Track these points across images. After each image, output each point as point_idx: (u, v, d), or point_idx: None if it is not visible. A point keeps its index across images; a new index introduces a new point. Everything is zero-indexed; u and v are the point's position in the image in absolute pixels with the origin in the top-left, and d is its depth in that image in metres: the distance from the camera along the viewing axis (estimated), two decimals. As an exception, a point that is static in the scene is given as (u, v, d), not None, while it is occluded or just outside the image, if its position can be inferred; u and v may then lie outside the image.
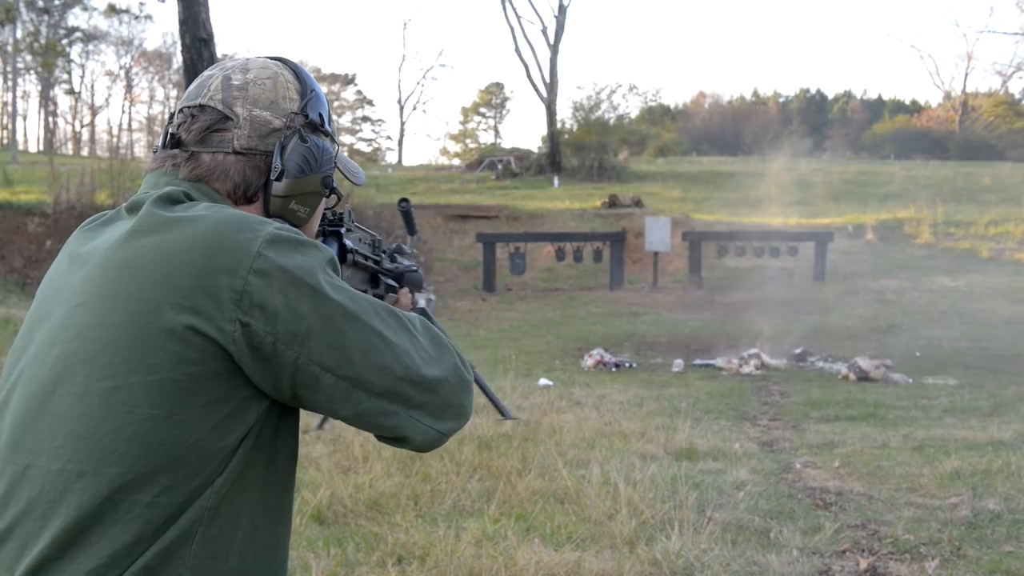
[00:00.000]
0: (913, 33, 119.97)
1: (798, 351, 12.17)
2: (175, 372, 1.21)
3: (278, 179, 1.42)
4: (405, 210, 1.98)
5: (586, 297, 19.67)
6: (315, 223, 1.55)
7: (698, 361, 11.59)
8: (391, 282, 1.87)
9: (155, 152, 1.44)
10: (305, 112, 1.46)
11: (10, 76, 56.69)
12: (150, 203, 1.32)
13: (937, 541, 4.71)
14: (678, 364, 11.23)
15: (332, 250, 1.50)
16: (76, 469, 1.21)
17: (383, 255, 1.83)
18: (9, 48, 53.15)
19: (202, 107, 1.41)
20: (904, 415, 8.20)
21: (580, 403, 8.42)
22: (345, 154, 1.64)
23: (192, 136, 1.40)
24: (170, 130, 1.43)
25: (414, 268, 1.93)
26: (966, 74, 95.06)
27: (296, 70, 1.49)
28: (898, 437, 7.20)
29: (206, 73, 1.47)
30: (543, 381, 9.67)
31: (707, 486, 5.62)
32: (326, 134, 1.50)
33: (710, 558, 4.37)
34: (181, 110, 1.43)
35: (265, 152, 1.41)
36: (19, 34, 52.35)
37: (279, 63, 1.49)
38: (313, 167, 1.44)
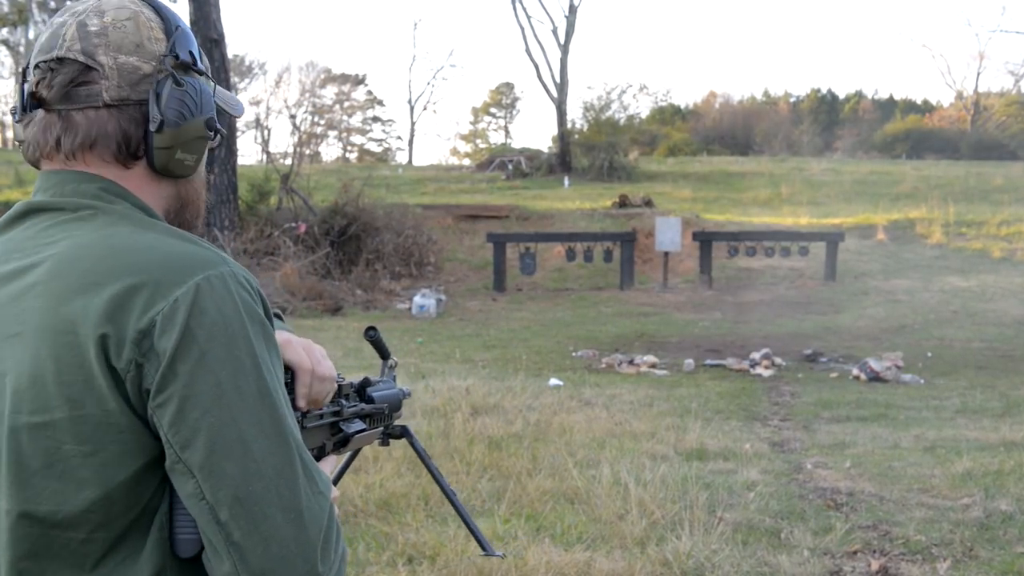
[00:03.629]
0: (925, 32, 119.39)
1: (809, 351, 12.14)
2: (97, 408, 1.15)
3: (158, 130, 1.28)
4: (373, 339, 1.81)
5: (596, 297, 19.66)
6: (203, 173, 1.42)
7: (708, 361, 11.57)
8: (358, 424, 1.68)
9: (14, 116, 1.32)
10: (175, 52, 1.32)
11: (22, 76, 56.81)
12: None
13: (949, 542, 4.70)
14: (688, 364, 11.22)
15: None
16: (6, 508, 1.18)
17: (345, 403, 1.63)
18: (22, 48, 53.39)
19: (60, 60, 1.26)
20: (915, 416, 8.18)
21: (590, 403, 8.42)
22: (216, 86, 1.45)
23: (54, 93, 1.27)
24: (27, 88, 1.29)
25: (382, 407, 1.74)
26: (978, 73, 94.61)
27: (155, 5, 1.36)
28: (909, 438, 7.18)
29: (57, 20, 1.32)
30: (553, 381, 9.67)
31: (718, 486, 5.61)
32: (200, 72, 1.36)
33: (721, 558, 4.37)
34: (37, 65, 1.28)
35: (139, 101, 1.28)
36: (31, 34, 52.58)
37: (144, 6, 1.35)
38: (194, 111, 1.31)
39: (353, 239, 20.94)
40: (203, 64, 1.39)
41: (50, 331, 1.16)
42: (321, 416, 1.54)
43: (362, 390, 1.72)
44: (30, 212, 1.29)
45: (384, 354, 1.86)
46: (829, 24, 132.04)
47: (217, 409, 1.13)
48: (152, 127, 1.28)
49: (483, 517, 4.93)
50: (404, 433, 1.94)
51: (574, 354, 12.37)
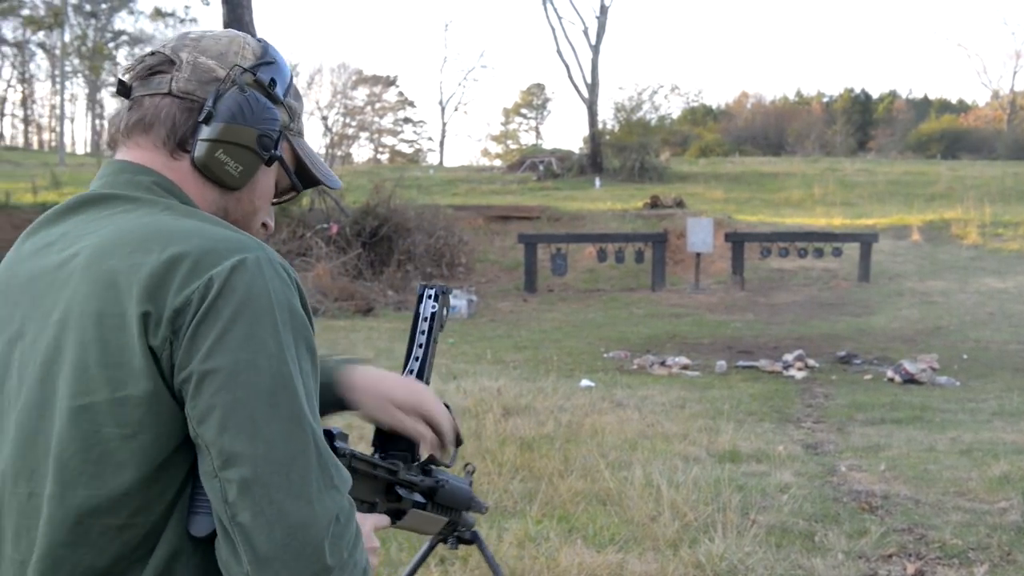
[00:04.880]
0: (960, 31, 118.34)
1: (842, 353, 12.05)
2: (137, 388, 1.16)
3: (205, 120, 1.32)
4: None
5: (628, 298, 19.61)
6: (258, 195, 1.41)
7: (741, 363, 11.51)
8: (417, 497, 1.62)
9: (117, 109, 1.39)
10: (254, 70, 1.37)
11: (58, 79, 57.59)
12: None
13: (986, 546, 4.64)
14: (720, 366, 11.17)
15: None
16: (48, 492, 1.19)
17: (402, 466, 1.57)
18: (57, 51, 54.01)
19: (152, 52, 1.37)
20: (951, 418, 8.09)
21: (622, 404, 8.39)
22: (317, 153, 1.52)
23: (134, 75, 1.35)
24: (119, 77, 1.38)
25: (442, 483, 1.66)
26: (1014, 72, 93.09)
27: (265, 44, 1.43)
28: (945, 440, 7.11)
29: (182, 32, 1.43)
30: (585, 382, 9.65)
31: (751, 488, 5.58)
32: (276, 100, 1.39)
33: (754, 561, 4.34)
34: (134, 56, 1.39)
35: (202, 99, 1.33)
36: (67, 38, 53.23)
37: (250, 36, 1.43)
38: (248, 118, 1.33)
39: (384, 240, 21.01)
40: (289, 100, 1.42)
41: (94, 314, 1.18)
42: (373, 466, 1.50)
43: (426, 465, 1.66)
44: (84, 203, 1.32)
45: (456, 440, 1.73)
46: (862, 23, 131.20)
47: (232, 387, 1.13)
48: (201, 118, 1.32)
49: (515, 518, 4.92)
50: (474, 539, 1.92)
51: (605, 355, 12.35)
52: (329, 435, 1.38)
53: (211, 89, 1.33)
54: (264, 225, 1.47)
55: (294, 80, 1.47)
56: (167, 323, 1.14)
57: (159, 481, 1.17)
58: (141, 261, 1.17)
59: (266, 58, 1.39)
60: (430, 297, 1.68)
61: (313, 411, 1.19)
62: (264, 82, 1.37)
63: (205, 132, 1.32)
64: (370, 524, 1.45)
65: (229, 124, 1.32)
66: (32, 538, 1.21)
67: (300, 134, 1.47)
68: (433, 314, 1.69)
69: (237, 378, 1.13)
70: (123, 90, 1.36)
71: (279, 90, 1.39)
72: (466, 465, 1.89)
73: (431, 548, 2.05)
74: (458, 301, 17.48)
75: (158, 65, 1.34)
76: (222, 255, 1.17)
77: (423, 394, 1.61)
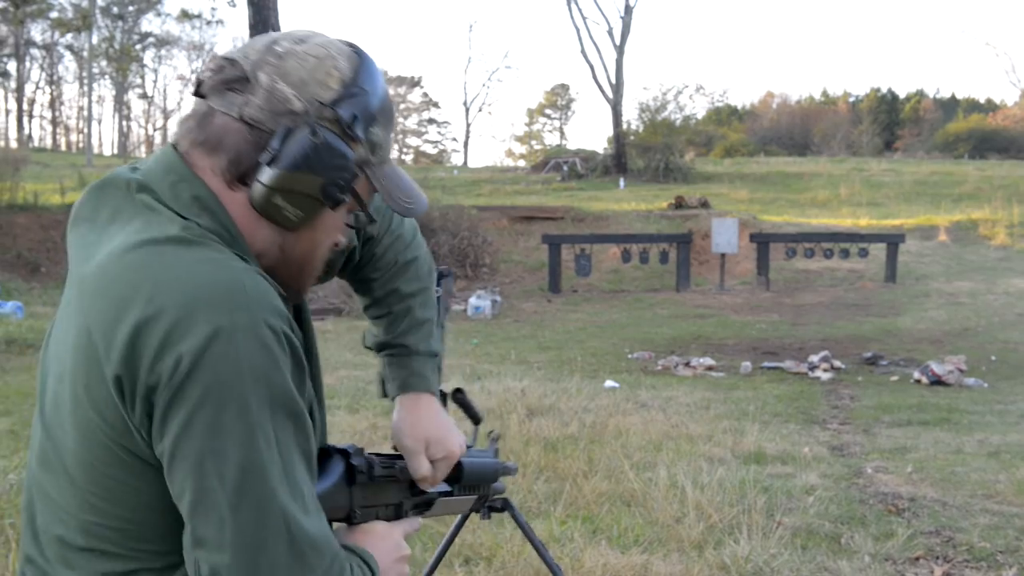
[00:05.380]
0: (988, 30, 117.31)
1: (868, 354, 11.97)
2: (126, 441, 1.18)
3: (269, 163, 1.23)
4: (462, 401, 1.71)
5: (652, 299, 19.56)
6: (321, 231, 1.33)
7: (766, 364, 11.46)
8: (442, 487, 1.64)
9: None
10: (334, 105, 1.25)
11: (86, 81, 58.04)
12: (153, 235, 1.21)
13: (1015, 549, 4.60)
14: (745, 367, 11.12)
15: (335, 473, 1.36)
16: (63, 504, 1.24)
17: None
18: (85, 54, 54.44)
19: (232, 61, 1.26)
20: (979, 420, 8.03)
21: (646, 405, 8.37)
22: (404, 174, 1.39)
23: (210, 85, 1.26)
24: (199, 76, 1.29)
25: (465, 467, 1.68)
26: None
27: (361, 62, 1.31)
28: (973, 442, 7.05)
29: (271, 33, 1.32)
30: (609, 383, 9.63)
31: (776, 490, 5.55)
32: (354, 139, 1.27)
33: (779, 563, 4.32)
34: (219, 57, 1.30)
35: (272, 132, 1.23)
36: (95, 40, 53.62)
37: (346, 50, 1.31)
38: (314, 166, 1.23)
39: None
40: (365, 135, 1.30)
41: (84, 359, 1.18)
42: (394, 469, 1.51)
43: None
44: (130, 190, 1.28)
45: (475, 418, 1.76)
46: (889, 22, 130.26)
47: (199, 475, 1.11)
48: (263, 159, 1.24)
49: (539, 519, 4.92)
50: (506, 506, 1.93)
51: (630, 356, 12.32)
52: (344, 453, 1.39)
53: (283, 122, 1.23)
54: (335, 244, 1.39)
55: (389, 103, 1.36)
56: (142, 400, 1.13)
57: (159, 522, 1.21)
58: (120, 318, 1.14)
59: (353, 88, 1.27)
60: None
61: (292, 488, 1.15)
62: (344, 120, 1.26)
63: (265, 175, 1.23)
64: (398, 532, 1.45)
65: (291, 172, 1.23)
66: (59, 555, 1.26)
67: (383, 163, 1.35)
68: (438, 298, 1.69)
69: (203, 466, 1.11)
70: (198, 90, 1.28)
71: (359, 127, 1.28)
72: (490, 432, 1.88)
73: (464, 520, 2.05)
74: (482, 302, 17.48)
75: (234, 81, 1.25)
76: (195, 324, 1.11)
77: (456, 453, 1.62)
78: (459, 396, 1.71)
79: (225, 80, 1.25)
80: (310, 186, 1.24)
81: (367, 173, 1.32)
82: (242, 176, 1.25)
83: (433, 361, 1.66)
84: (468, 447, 1.68)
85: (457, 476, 1.66)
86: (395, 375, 1.65)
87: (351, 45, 1.33)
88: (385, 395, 1.66)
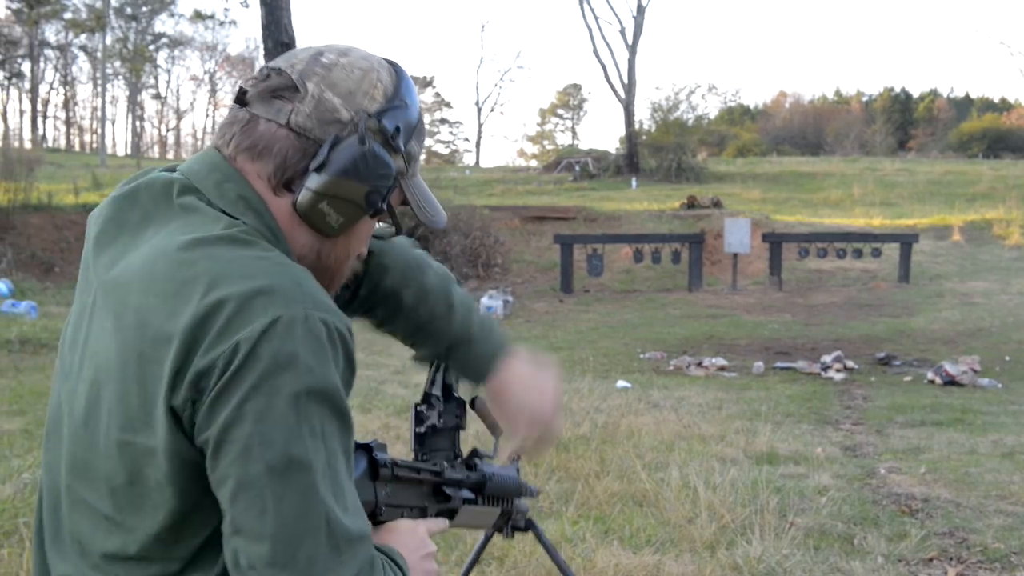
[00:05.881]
0: (1002, 29, 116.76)
1: (882, 355, 11.93)
2: (168, 438, 1.17)
3: (317, 170, 1.26)
4: (481, 409, 1.69)
5: (664, 299, 19.53)
6: (355, 240, 1.38)
7: (778, 364, 11.43)
8: (466, 494, 1.63)
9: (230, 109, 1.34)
10: (379, 116, 1.30)
11: (99, 82, 58.27)
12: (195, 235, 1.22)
13: (1029, 550, 4.58)
14: (758, 367, 11.09)
15: (358, 467, 1.35)
16: (105, 513, 1.23)
17: (447, 464, 1.58)
18: (99, 54, 54.66)
19: (279, 71, 1.29)
20: (993, 420, 7.99)
21: (658, 405, 8.37)
22: (427, 187, 1.47)
23: (256, 93, 1.29)
24: (242, 84, 1.32)
25: (490, 476, 1.68)
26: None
27: (400, 78, 1.35)
28: (987, 443, 7.02)
29: (311, 45, 1.35)
30: (621, 383, 9.62)
31: (788, 491, 5.54)
32: (396, 151, 1.32)
33: (792, 564, 4.31)
34: (264, 68, 1.33)
35: (318, 140, 1.27)
36: (108, 41, 53.84)
37: (386, 64, 1.36)
38: (361, 175, 1.27)
39: (421, 240, 21.05)
40: (406, 146, 1.35)
41: (136, 353, 1.17)
42: (418, 471, 1.50)
43: (470, 459, 1.66)
44: (173, 191, 1.29)
45: (494, 429, 1.75)
46: (903, 22, 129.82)
47: (245, 461, 1.12)
48: (313, 165, 1.26)
49: (551, 519, 4.92)
50: (530, 526, 1.91)
51: (642, 356, 12.31)
52: (367, 448, 1.39)
53: (331, 131, 1.27)
54: (359, 256, 1.44)
55: (422, 118, 1.41)
56: (190, 385, 1.13)
57: (194, 523, 1.20)
58: (179, 310, 1.14)
59: (396, 101, 1.32)
60: None
61: (334, 483, 1.16)
62: (388, 131, 1.30)
63: (313, 181, 1.27)
64: (423, 529, 1.45)
65: (340, 179, 1.27)
66: (87, 552, 1.25)
67: (415, 175, 1.41)
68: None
69: (251, 452, 1.11)
70: (241, 99, 1.30)
71: (401, 139, 1.33)
72: (497, 436, 1.89)
73: (487, 539, 2.05)
74: (494, 302, 17.49)
75: (281, 89, 1.28)
76: (257, 312, 1.13)
77: (557, 418, 1.69)
78: (478, 404, 1.70)
79: (272, 88, 1.28)
80: (355, 193, 1.28)
81: (401, 184, 1.37)
82: (287, 182, 1.28)
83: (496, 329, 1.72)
84: (488, 459, 1.69)
85: (481, 484, 1.66)
86: (479, 355, 1.67)
87: (389, 61, 1.37)
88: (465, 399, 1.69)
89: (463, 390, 1.68)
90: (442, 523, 1.54)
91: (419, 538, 1.42)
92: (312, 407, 1.14)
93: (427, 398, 1.64)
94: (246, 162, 1.29)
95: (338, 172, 1.26)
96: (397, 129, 1.31)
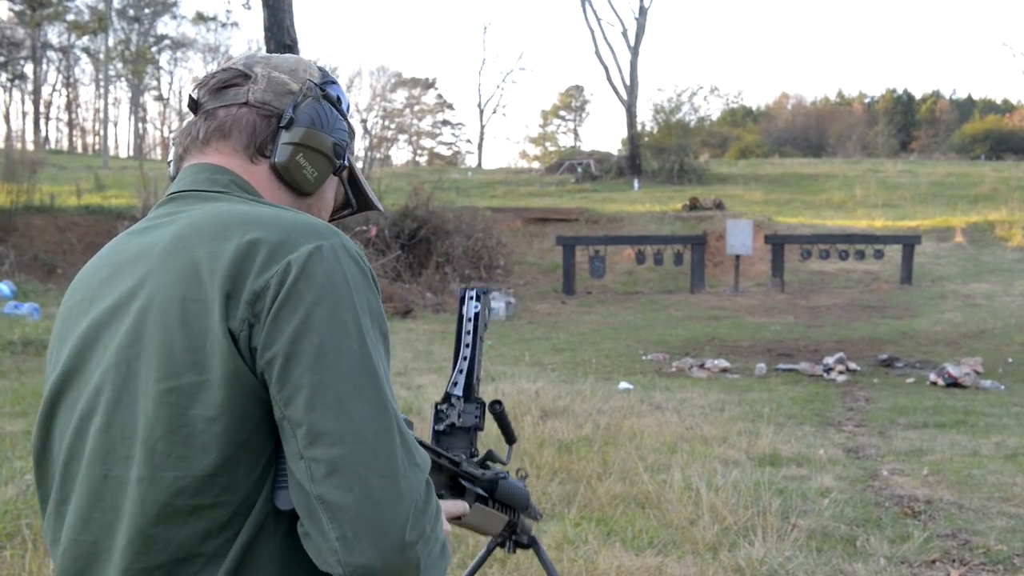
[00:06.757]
0: (1004, 31, 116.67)
1: (884, 356, 11.92)
2: (220, 371, 1.18)
3: (287, 127, 1.41)
4: (499, 414, 1.74)
5: (666, 300, 19.53)
6: (323, 205, 1.51)
7: (781, 366, 11.43)
8: (479, 491, 1.66)
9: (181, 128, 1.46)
10: (323, 87, 1.47)
11: (102, 83, 58.34)
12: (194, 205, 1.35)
13: (1032, 552, 4.57)
14: (760, 368, 11.09)
15: None
16: (137, 475, 1.21)
17: (464, 458, 1.61)
18: (101, 56, 54.71)
19: (223, 69, 1.45)
20: (996, 422, 7.98)
21: (660, 407, 8.36)
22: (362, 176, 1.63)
23: (206, 91, 1.43)
24: (190, 94, 1.44)
25: (503, 476, 1.71)
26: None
27: (324, 71, 1.52)
28: (990, 445, 7.01)
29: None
30: (623, 385, 9.62)
31: (791, 492, 5.54)
32: (342, 115, 1.50)
33: (794, 565, 4.30)
34: (201, 79, 1.46)
35: (278, 109, 1.42)
36: (111, 42, 53.88)
37: (311, 60, 1.54)
38: (325, 126, 1.44)
39: (423, 242, 21.09)
40: (348, 119, 1.52)
41: (178, 299, 1.21)
42: (438, 455, 1.52)
43: (483, 461, 1.68)
44: (167, 202, 1.39)
45: (510, 437, 1.80)
46: (905, 23, 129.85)
47: (319, 368, 1.16)
48: (282, 123, 1.41)
49: (553, 521, 4.92)
50: (532, 544, 1.93)
51: (644, 357, 12.31)
52: None
53: (287, 100, 1.42)
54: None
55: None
56: (246, 305, 1.17)
57: (243, 461, 1.20)
58: (221, 248, 1.21)
59: (329, 77, 1.49)
60: (472, 298, 1.71)
61: (391, 391, 1.22)
62: (332, 97, 1.48)
63: (286, 136, 1.40)
64: (440, 507, 1.47)
65: (310, 129, 1.41)
66: (108, 521, 1.24)
67: (353, 153, 1.55)
68: (476, 314, 1.72)
69: (323, 359, 1.16)
70: (193, 105, 1.43)
71: (344, 107, 1.51)
72: (519, 470, 1.91)
73: (490, 551, 2.06)
74: (496, 303, 17.49)
75: (231, 79, 1.42)
76: (298, 242, 1.21)
77: None
78: (497, 409, 1.74)
79: (221, 82, 1.42)
80: (324, 144, 1.43)
81: (348, 159, 1.52)
82: (261, 147, 1.41)
83: None
84: (502, 464, 1.72)
85: (493, 485, 1.68)
86: None
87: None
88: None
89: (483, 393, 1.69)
90: (462, 505, 1.57)
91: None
92: (367, 319, 1.22)
93: (447, 398, 1.67)
94: (218, 142, 1.41)
95: (307, 124, 1.42)
96: (339, 98, 1.50)
